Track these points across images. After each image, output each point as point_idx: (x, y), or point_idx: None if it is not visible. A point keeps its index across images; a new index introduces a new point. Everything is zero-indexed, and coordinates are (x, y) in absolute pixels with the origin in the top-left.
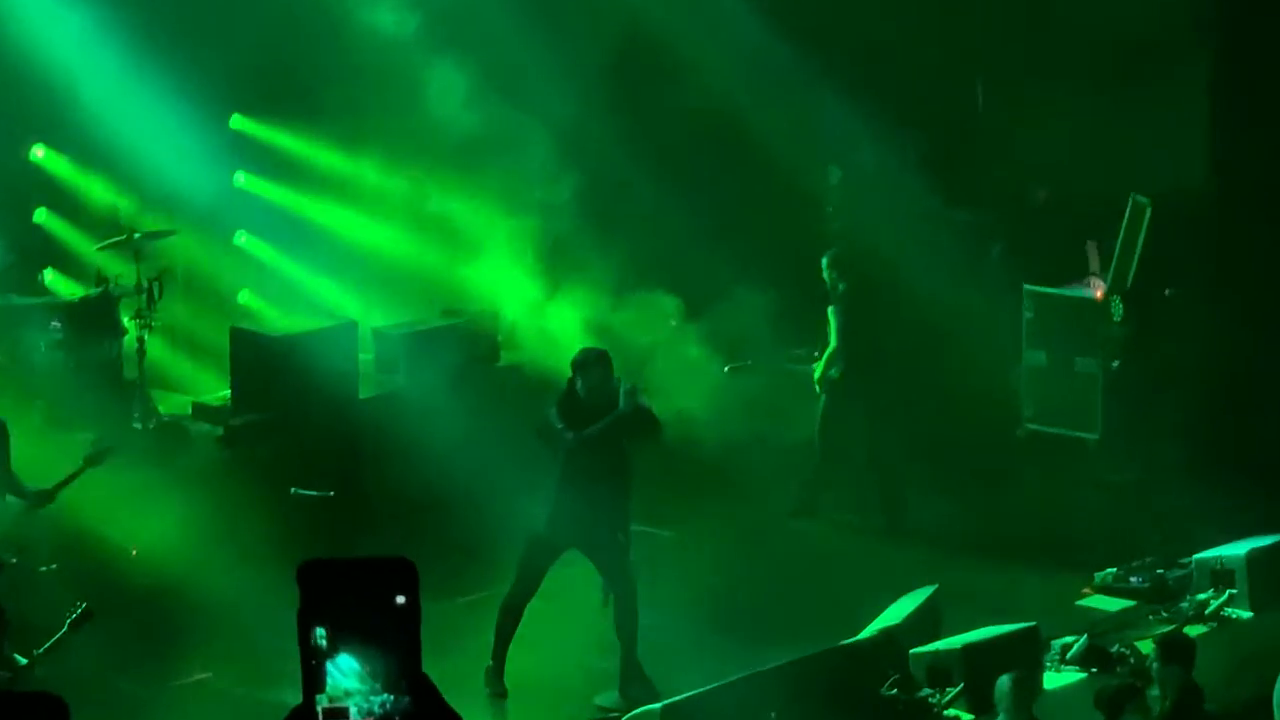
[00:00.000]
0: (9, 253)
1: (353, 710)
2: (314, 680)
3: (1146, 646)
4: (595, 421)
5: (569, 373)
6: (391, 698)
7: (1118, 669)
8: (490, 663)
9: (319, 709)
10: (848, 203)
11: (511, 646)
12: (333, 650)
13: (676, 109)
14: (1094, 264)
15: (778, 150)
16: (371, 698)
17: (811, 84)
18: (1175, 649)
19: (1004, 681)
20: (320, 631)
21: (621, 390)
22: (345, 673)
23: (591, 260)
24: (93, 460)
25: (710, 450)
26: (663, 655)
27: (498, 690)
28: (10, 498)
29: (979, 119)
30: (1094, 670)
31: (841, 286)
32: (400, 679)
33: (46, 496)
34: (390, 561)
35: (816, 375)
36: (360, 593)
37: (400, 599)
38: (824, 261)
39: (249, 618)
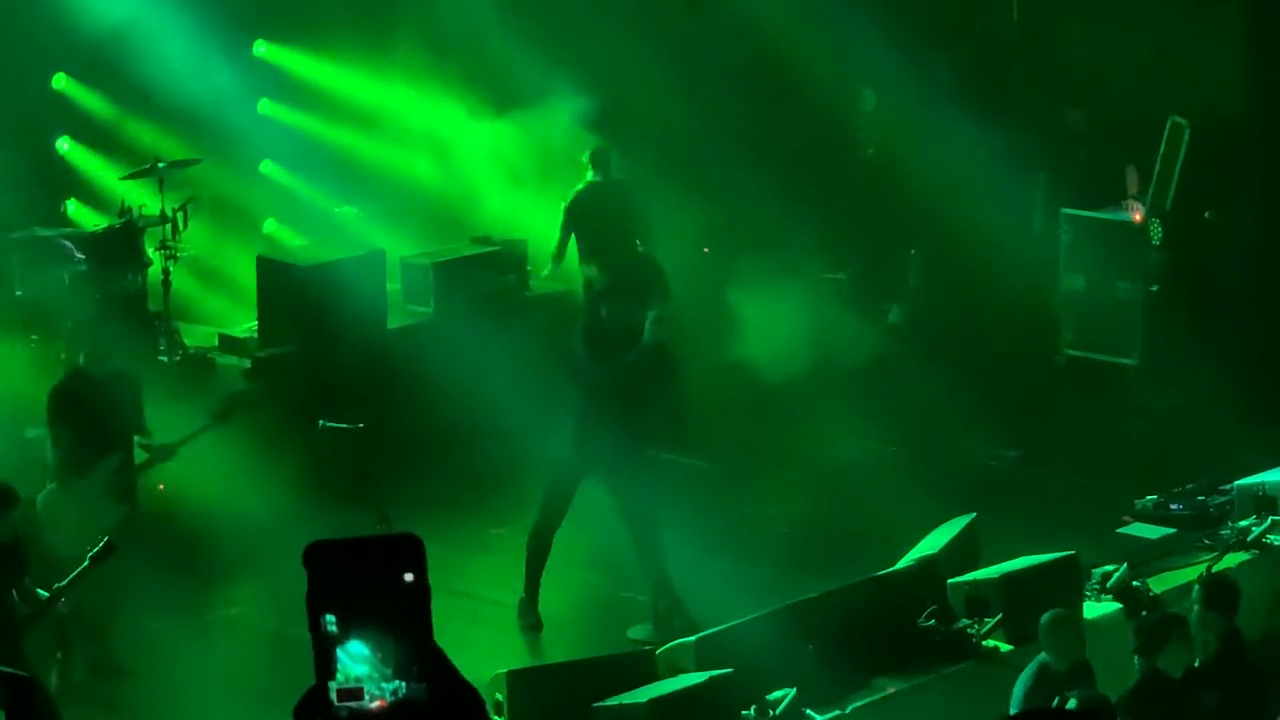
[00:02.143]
0: None
1: (365, 695)
2: (326, 666)
3: (1172, 580)
4: (620, 349)
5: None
6: (404, 684)
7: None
8: (524, 594)
9: (333, 692)
10: (882, 128)
11: (544, 577)
12: (343, 636)
13: (707, 34)
14: (1133, 187)
15: (811, 75)
16: (383, 684)
17: (844, 7)
18: (1220, 593)
19: (1046, 619)
20: (330, 618)
21: (649, 319)
22: (356, 658)
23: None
24: (220, 416)
25: (749, 379)
26: (699, 587)
27: (532, 622)
28: (139, 449)
29: (1015, 41)
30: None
31: None
32: (412, 663)
33: (169, 451)
34: (397, 539)
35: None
36: (368, 573)
37: (408, 576)
38: None
39: (278, 552)
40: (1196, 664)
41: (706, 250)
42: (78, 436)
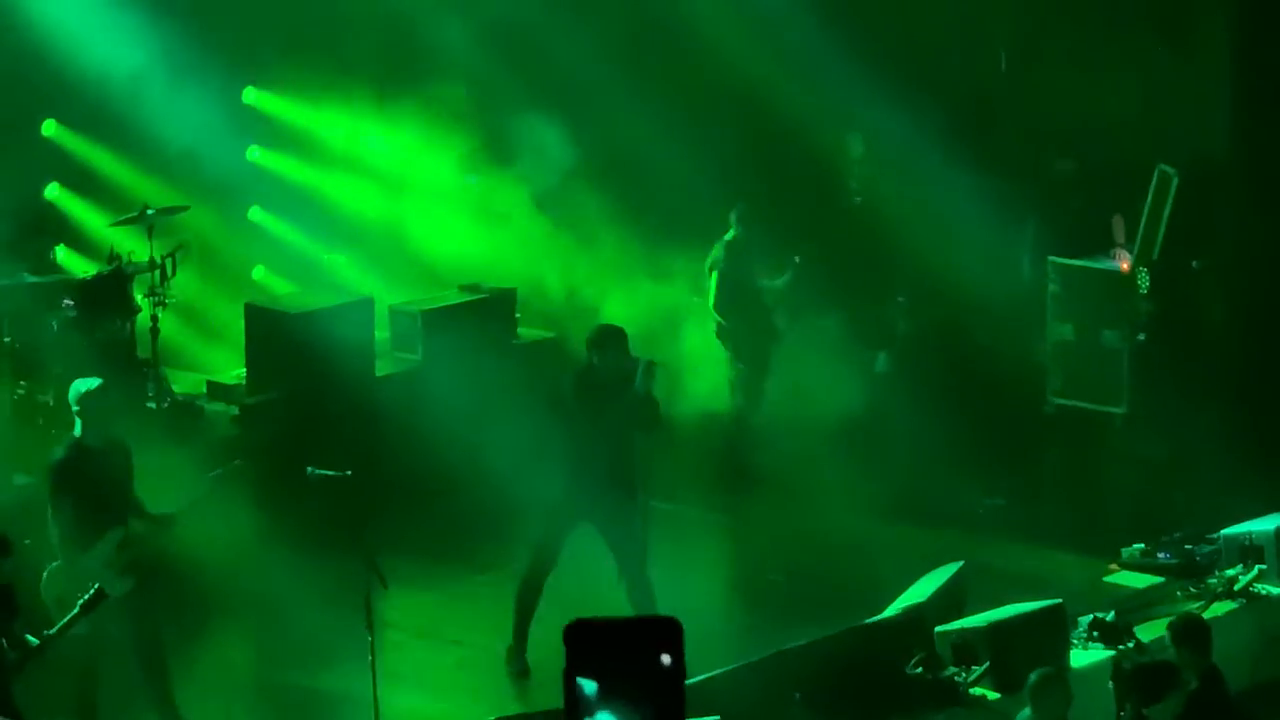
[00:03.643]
0: None
1: None
2: None
3: (1159, 628)
4: (611, 397)
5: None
6: None
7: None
8: (512, 641)
9: None
10: (870, 175)
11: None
12: (595, 706)
13: (696, 81)
14: (1119, 236)
15: (799, 122)
16: None
17: (833, 53)
18: (1190, 631)
19: (1033, 677)
20: (585, 685)
21: (640, 368)
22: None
23: (608, 232)
24: (220, 480)
25: (735, 429)
26: (686, 634)
27: (520, 669)
28: (133, 521)
29: (1002, 88)
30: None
31: None
32: None
33: (169, 520)
34: (657, 621)
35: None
36: (625, 652)
37: (665, 659)
38: None
39: (266, 598)
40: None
41: (696, 297)
42: (80, 510)
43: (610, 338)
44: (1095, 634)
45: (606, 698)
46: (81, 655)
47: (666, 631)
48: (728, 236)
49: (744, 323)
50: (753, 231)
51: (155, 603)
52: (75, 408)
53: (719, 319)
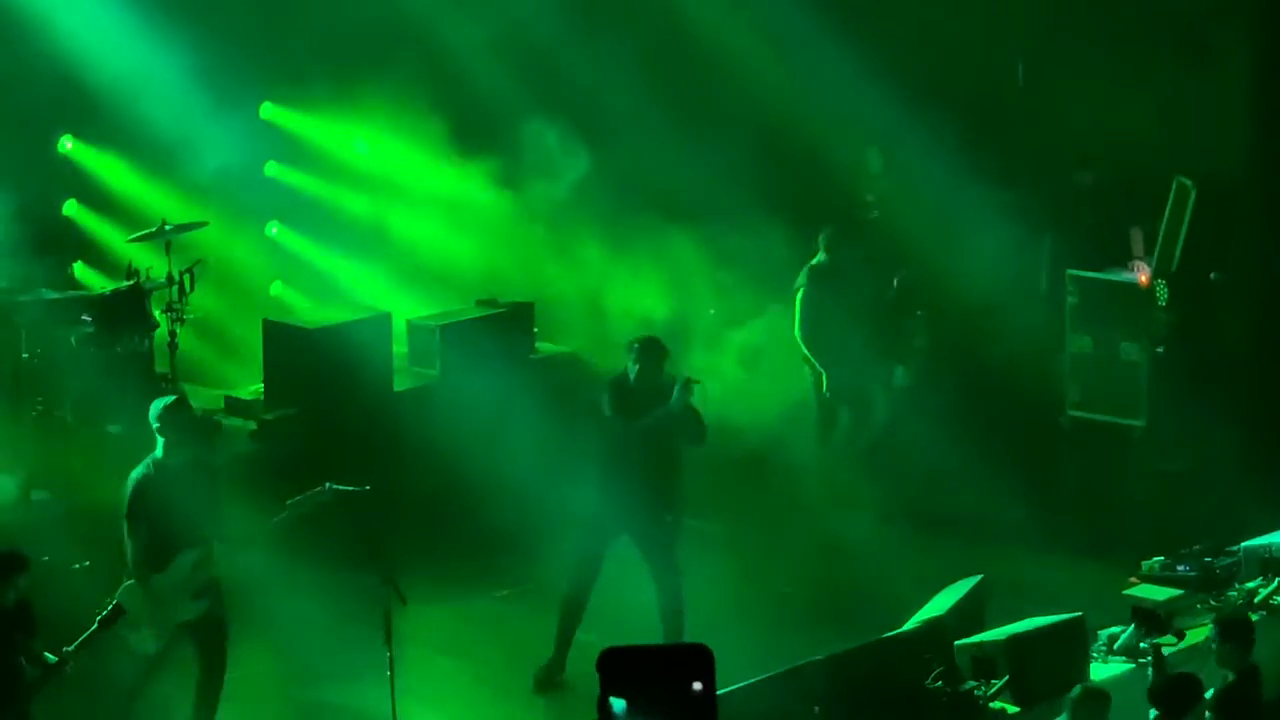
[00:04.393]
0: None
1: None
2: None
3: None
4: (646, 409)
5: (622, 360)
6: None
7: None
8: (553, 653)
9: None
10: (888, 189)
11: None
12: None
13: (712, 95)
14: (1137, 248)
15: (817, 137)
16: None
17: (851, 67)
18: (1234, 628)
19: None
20: (617, 704)
21: (677, 384)
22: None
23: (624, 246)
24: (299, 505)
25: (755, 442)
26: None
27: (557, 681)
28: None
29: (1020, 100)
30: (1144, 631)
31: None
32: None
33: (250, 542)
34: (688, 648)
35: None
36: (657, 679)
37: (697, 685)
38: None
39: (283, 615)
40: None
41: (713, 311)
42: (155, 530)
43: (649, 349)
44: (1137, 625)
45: (636, 713)
46: (135, 675)
47: (698, 659)
48: (814, 261)
49: (829, 353)
50: (841, 256)
51: (225, 628)
52: (155, 425)
53: (803, 349)
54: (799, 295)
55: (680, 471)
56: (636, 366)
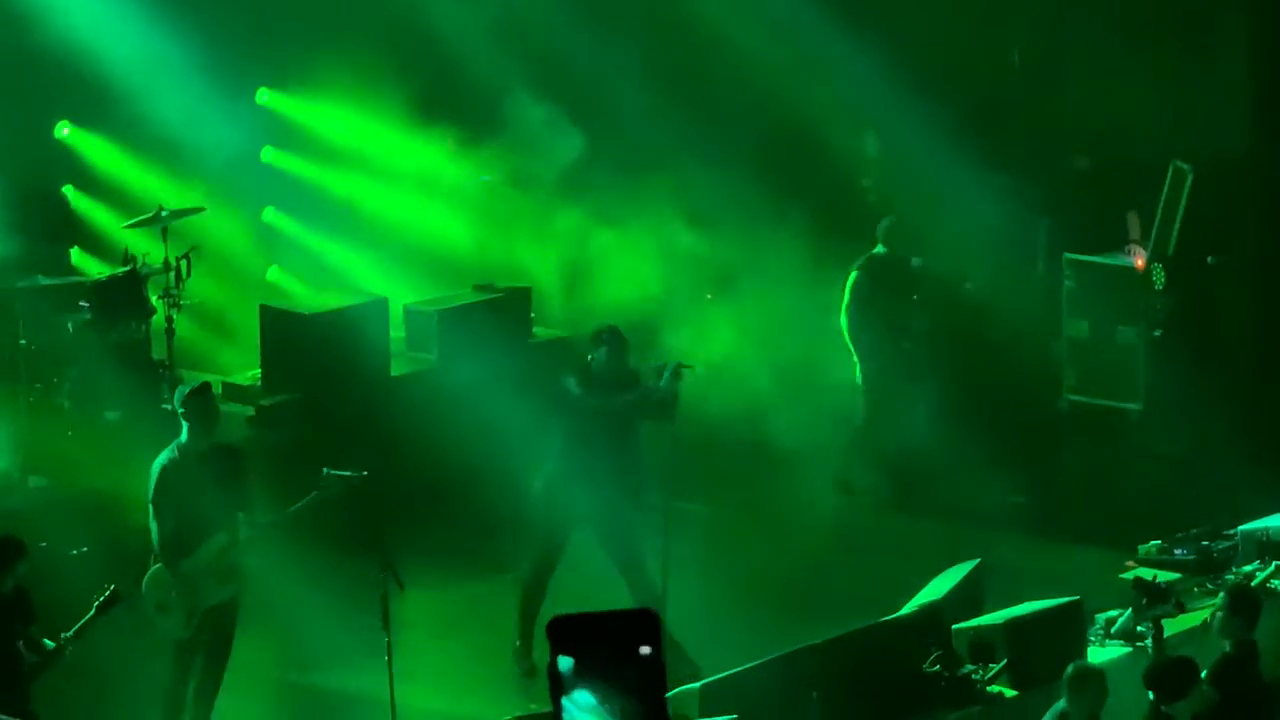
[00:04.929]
0: None
1: None
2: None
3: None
4: (607, 396)
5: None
6: None
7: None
8: (518, 642)
9: None
10: (885, 172)
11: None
12: (573, 685)
13: (711, 78)
14: (1134, 232)
15: (814, 119)
16: None
17: (848, 51)
18: (1244, 602)
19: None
20: (565, 661)
21: (668, 367)
22: (582, 707)
23: (621, 228)
24: (325, 487)
25: (748, 424)
26: (703, 632)
27: (527, 668)
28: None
29: (1017, 85)
30: (1144, 602)
31: None
32: None
33: (275, 525)
34: (634, 614)
35: None
36: (606, 645)
37: (645, 649)
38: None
39: (282, 600)
40: (1204, 675)
41: (709, 296)
42: (181, 514)
43: (613, 338)
44: (1140, 598)
45: (586, 678)
46: (172, 666)
47: (646, 623)
48: (874, 251)
49: (874, 351)
50: (899, 250)
51: (237, 612)
52: (180, 411)
53: (849, 344)
54: (850, 279)
55: (642, 456)
56: (600, 355)
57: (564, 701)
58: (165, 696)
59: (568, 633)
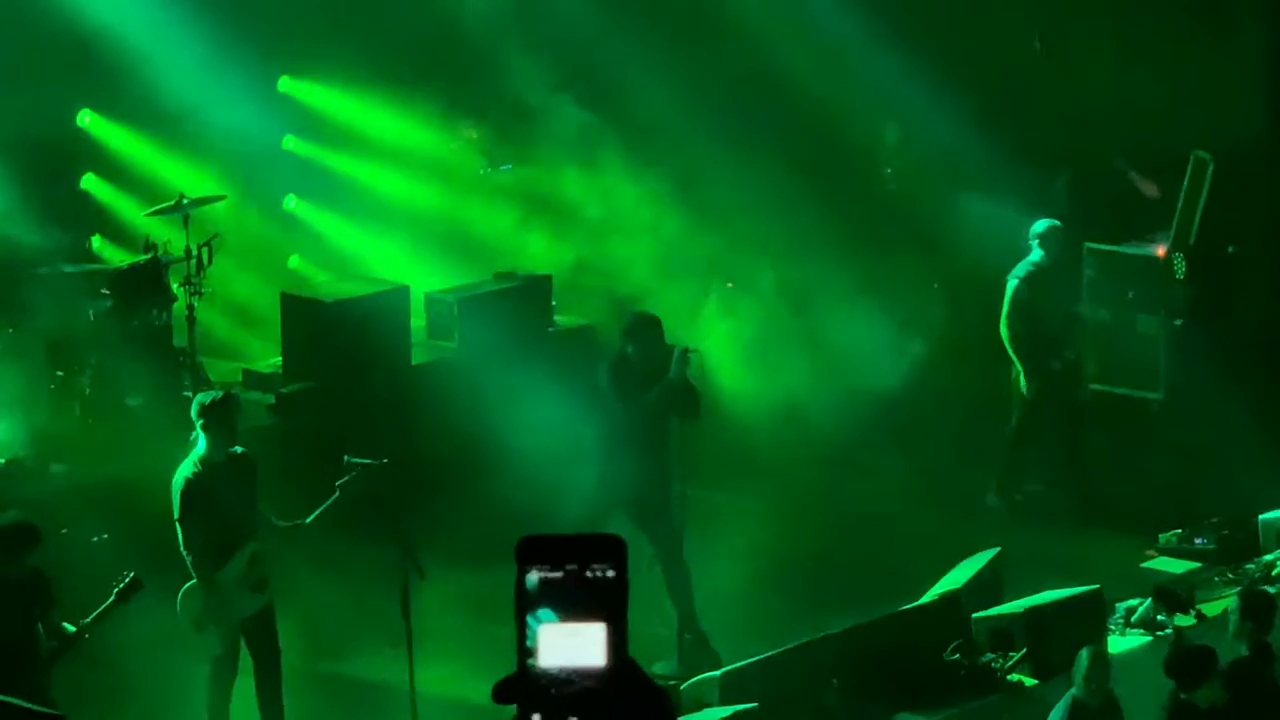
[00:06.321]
0: None
1: (560, 677)
2: (523, 645)
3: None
4: (645, 385)
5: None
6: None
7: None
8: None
9: (531, 671)
10: (905, 161)
11: None
12: (537, 604)
13: (730, 69)
14: (1149, 190)
15: (835, 109)
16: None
17: (868, 40)
18: (1258, 606)
19: (1084, 655)
20: (530, 577)
21: (674, 355)
22: (543, 621)
23: (643, 219)
24: (347, 487)
25: (771, 412)
26: (723, 621)
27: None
28: (263, 535)
29: (1038, 75)
30: (1162, 615)
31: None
32: (604, 650)
33: (298, 531)
34: (600, 537)
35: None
36: (571, 565)
37: (610, 573)
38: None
39: (303, 588)
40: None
41: (730, 285)
42: (210, 528)
43: (644, 326)
44: (1158, 605)
45: (550, 595)
46: (212, 683)
47: (612, 547)
48: (1033, 258)
49: (1034, 361)
50: (1059, 255)
51: (274, 621)
52: (199, 422)
53: (1011, 355)
54: (1010, 287)
55: (670, 448)
56: (634, 345)
57: (528, 618)
58: (209, 715)
59: (536, 551)
